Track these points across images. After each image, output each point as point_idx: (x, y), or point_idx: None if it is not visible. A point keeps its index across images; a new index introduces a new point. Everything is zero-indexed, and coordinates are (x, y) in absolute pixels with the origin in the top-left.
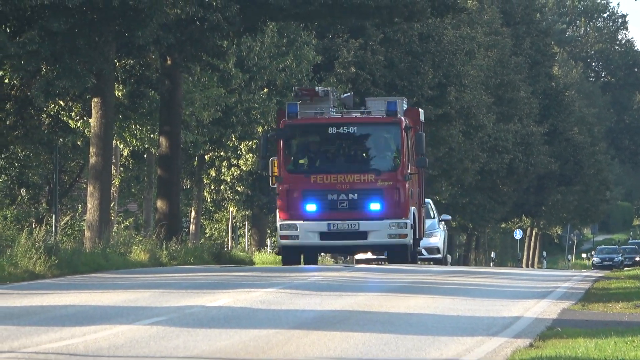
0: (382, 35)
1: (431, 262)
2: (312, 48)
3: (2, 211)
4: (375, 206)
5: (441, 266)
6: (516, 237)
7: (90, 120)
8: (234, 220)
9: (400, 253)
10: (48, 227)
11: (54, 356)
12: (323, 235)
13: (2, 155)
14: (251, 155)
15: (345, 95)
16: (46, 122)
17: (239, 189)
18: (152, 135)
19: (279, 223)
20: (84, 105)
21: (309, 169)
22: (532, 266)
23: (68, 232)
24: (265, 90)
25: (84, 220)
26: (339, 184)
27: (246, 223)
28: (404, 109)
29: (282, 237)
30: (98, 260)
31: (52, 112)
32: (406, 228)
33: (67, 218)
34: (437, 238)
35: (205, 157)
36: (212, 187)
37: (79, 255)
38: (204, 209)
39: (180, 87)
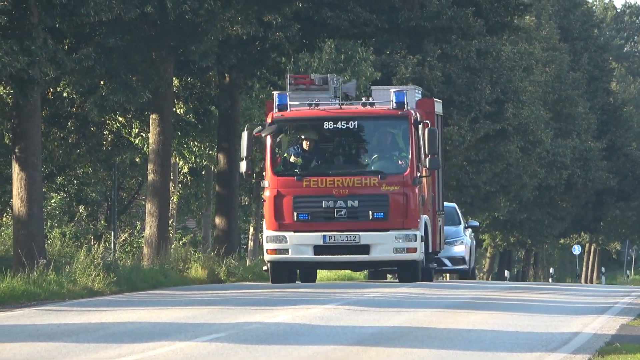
0: (439, 51)
1: (454, 275)
2: (370, 64)
3: (61, 228)
4: (378, 215)
5: (500, 282)
6: (575, 253)
7: (148, 136)
8: None
9: (409, 270)
10: (107, 244)
11: None
12: (317, 249)
13: (61, 172)
14: None
15: (347, 83)
16: (108, 139)
17: None
18: (210, 152)
19: (265, 235)
20: (143, 122)
21: (301, 171)
22: (591, 282)
23: (126, 249)
24: None
25: (143, 237)
26: (336, 189)
27: None
28: (416, 99)
29: (269, 251)
30: (156, 277)
31: (113, 129)
32: (415, 241)
33: (126, 235)
34: (462, 246)
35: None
36: None
37: (138, 272)
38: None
39: (238, 104)
